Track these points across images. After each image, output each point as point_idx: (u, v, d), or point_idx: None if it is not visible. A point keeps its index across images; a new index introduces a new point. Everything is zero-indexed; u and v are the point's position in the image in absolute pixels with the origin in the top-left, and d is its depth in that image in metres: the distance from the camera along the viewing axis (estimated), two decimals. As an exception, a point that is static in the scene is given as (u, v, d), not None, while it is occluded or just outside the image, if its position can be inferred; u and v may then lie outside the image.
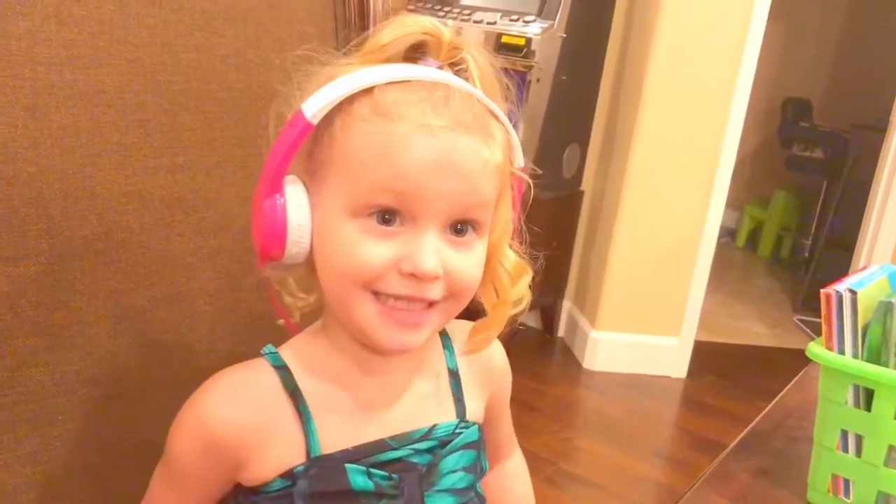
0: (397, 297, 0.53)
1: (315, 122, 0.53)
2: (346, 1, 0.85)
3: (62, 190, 0.61)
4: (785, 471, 0.81)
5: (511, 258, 0.60)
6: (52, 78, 0.61)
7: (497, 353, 0.70)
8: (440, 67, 0.56)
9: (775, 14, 2.47)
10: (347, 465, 0.57)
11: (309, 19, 0.82)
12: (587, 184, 2.77)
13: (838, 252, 3.10)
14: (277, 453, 0.56)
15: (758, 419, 0.91)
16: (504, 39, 2.30)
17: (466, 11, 2.42)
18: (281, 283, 0.59)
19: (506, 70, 0.59)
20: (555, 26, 2.30)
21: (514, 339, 0.65)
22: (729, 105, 2.46)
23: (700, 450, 2.21)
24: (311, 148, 0.55)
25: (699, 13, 2.38)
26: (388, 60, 0.55)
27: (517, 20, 2.33)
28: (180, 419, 0.58)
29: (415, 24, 0.56)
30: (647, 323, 2.64)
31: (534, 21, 2.31)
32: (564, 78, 2.37)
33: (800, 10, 4.15)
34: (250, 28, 0.75)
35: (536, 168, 0.61)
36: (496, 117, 0.56)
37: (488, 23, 2.35)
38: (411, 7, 2.53)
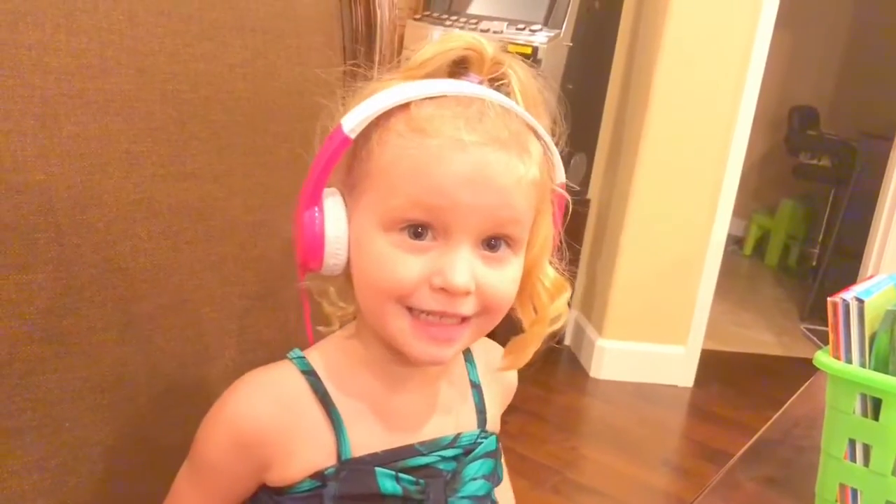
0: (430, 313, 0.54)
1: (353, 136, 0.53)
2: (353, 10, 0.86)
3: (71, 198, 0.62)
4: (792, 480, 0.81)
5: (550, 275, 0.60)
6: (61, 87, 0.61)
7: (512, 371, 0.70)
8: (481, 82, 0.56)
9: (782, 22, 2.47)
10: (377, 469, 0.57)
11: (317, 29, 0.83)
12: (594, 192, 2.77)
13: (846, 261, 3.09)
14: (307, 455, 0.57)
15: (765, 428, 0.91)
16: (510, 48, 2.30)
17: (473, 20, 2.43)
18: (321, 294, 0.60)
19: None
20: (561, 35, 2.31)
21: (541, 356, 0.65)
22: (736, 113, 2.46)
23: (707, 459, 2.20)
24: (351, 162, 0.56)
25: (706, 21, 2.39)
26: (431, 76, 0.56)
27: (524, 29, 2.33)
28: (210, 418, 0.58)
29: (458, 40, 0.56)
30: (653, 331, 2.64)
31: (540, 30, 2.31)
32: (571, 87, 2.37)
33: (806, 17, 4.16)
34: (258, 38, 0.76)
35: (573, 185, 0.61)
36: (536, 133, 0.56)
37: (495, 31, 2.35)
38: (418, 17, 2.55)
